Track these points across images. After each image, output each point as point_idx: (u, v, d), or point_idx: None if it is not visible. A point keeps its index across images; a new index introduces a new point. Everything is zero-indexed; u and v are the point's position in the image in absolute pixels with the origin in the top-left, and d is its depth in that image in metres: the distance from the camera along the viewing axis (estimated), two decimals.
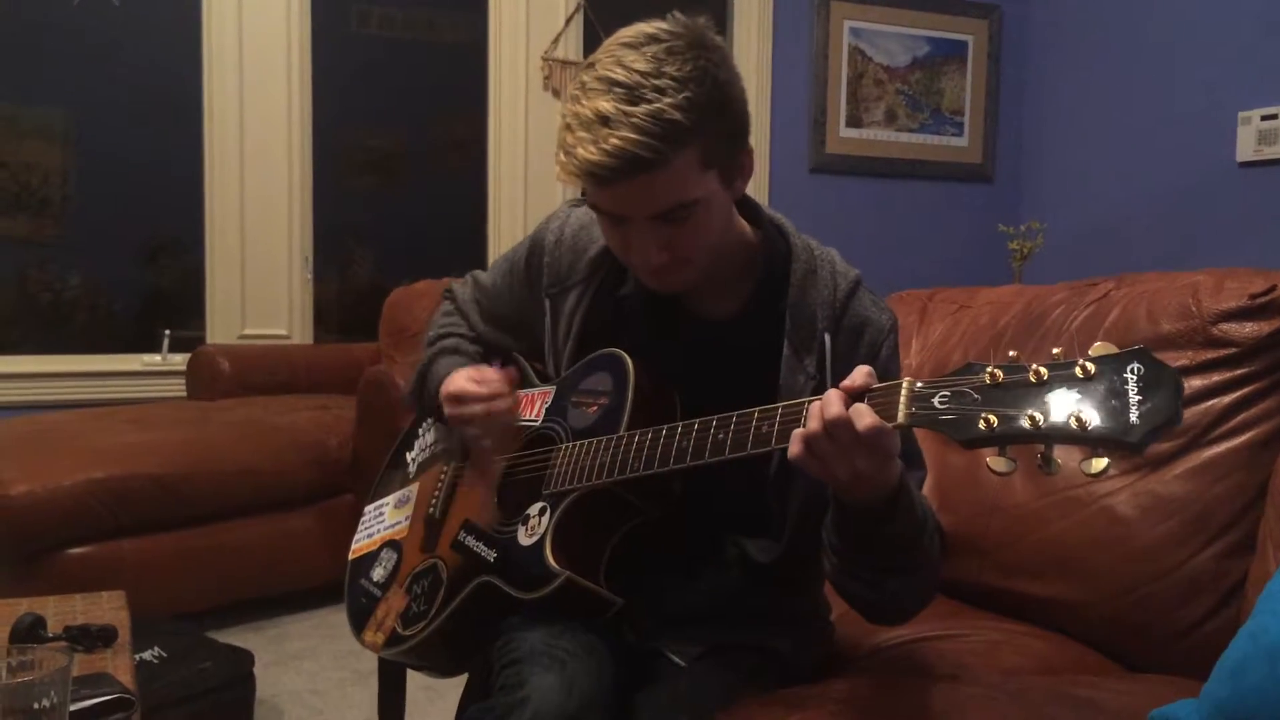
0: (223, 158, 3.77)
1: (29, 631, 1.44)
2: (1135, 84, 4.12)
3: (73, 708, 1.08)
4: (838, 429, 0.95)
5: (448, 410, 1.37)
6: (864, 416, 0.95)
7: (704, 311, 1.29)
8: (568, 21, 4.10)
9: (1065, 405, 0.85)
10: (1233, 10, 3.74)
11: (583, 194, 1.23)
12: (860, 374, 0.98)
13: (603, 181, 1.10)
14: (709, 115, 1.09)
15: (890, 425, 0.95)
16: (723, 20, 4.39)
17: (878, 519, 1.06)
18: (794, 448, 0.98)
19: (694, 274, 1.20)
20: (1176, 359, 1.43)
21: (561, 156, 1.11)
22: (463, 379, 1.35)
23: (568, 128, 1.11)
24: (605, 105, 1.07)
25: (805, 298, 1.23)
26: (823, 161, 4.46)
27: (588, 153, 1.07)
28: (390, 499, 1.53)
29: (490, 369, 1.37)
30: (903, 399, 0.95)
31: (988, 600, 1.62)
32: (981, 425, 0.88)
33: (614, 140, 1.06)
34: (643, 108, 1.06)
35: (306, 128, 3.89)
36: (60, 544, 2.56)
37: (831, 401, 0.96)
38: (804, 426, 0.98)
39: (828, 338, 1.20)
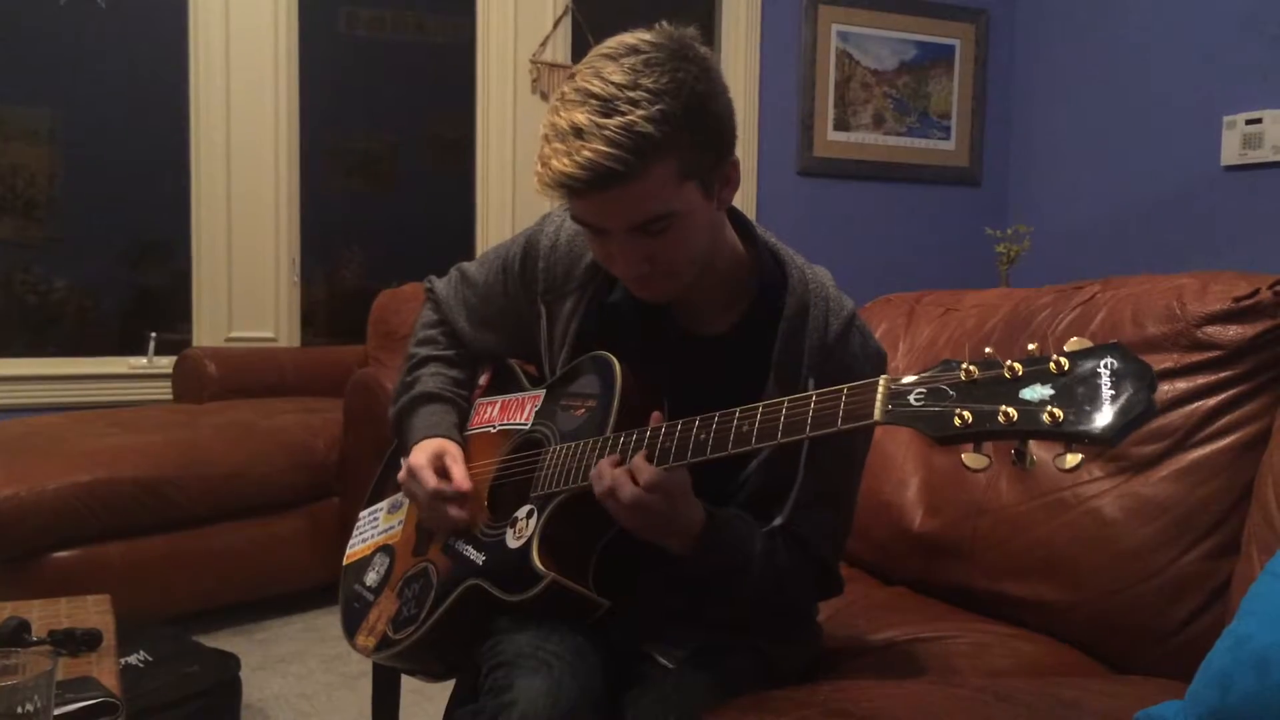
0: (209, 159, 3.76)
1: (13, 635, 1.43)
2: (1121, 88, 4.15)
3: (57, 712, 1.08)
4: (609, 497, 1.12)
5: (400, 476, 1.39)
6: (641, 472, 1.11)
7: (694, 326, 1.29)
8: (556, 24, 4.10)
9: (1039, 400, 0.85)
10: (1217, 15, 3.76)
11: None
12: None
13: (576, 193, 1.11)
14: (685, 128, 1.09)
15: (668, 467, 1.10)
16: (710, 24, 4.40)
17: (689, 562, 1.18)
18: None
19: (679, 285, 1.21)
20: (1161, 361, 1.44)
21: (539, 167, 1.12)
22: (425, 458, 1.36)
23: (546, 139, 1.12)
24: (580, 117, 1.08)
25: (795, 337, 1.23)
26: (810, 165, 4.47)
27: (561, 164, 1.08)
28: (384, 504, 1.53)
29: (453, 454, 1.37)
30: (879, 397, 0.95)
31: (975, 602, 1.62)
32: (956, 422, 0.89)
33: (585, 153, 1.07)
34: (615, 120, 1.06)
35: (294, 129, 3.87)
36: (45, 547, 2.55)
37: (603, 474, 1.13)
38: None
39: (811, 382, 1.21)
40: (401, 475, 1.39)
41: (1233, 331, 1.41)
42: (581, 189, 1.09)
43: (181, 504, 2.76)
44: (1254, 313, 1.40)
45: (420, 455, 1.37)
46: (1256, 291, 1.40)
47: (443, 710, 1.43)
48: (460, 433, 1.44)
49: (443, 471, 1.36)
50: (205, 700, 2.05)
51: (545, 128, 1.13)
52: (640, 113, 1.06)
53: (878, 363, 1.28)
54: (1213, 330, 1.42)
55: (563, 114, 1.10)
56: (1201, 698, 0.94)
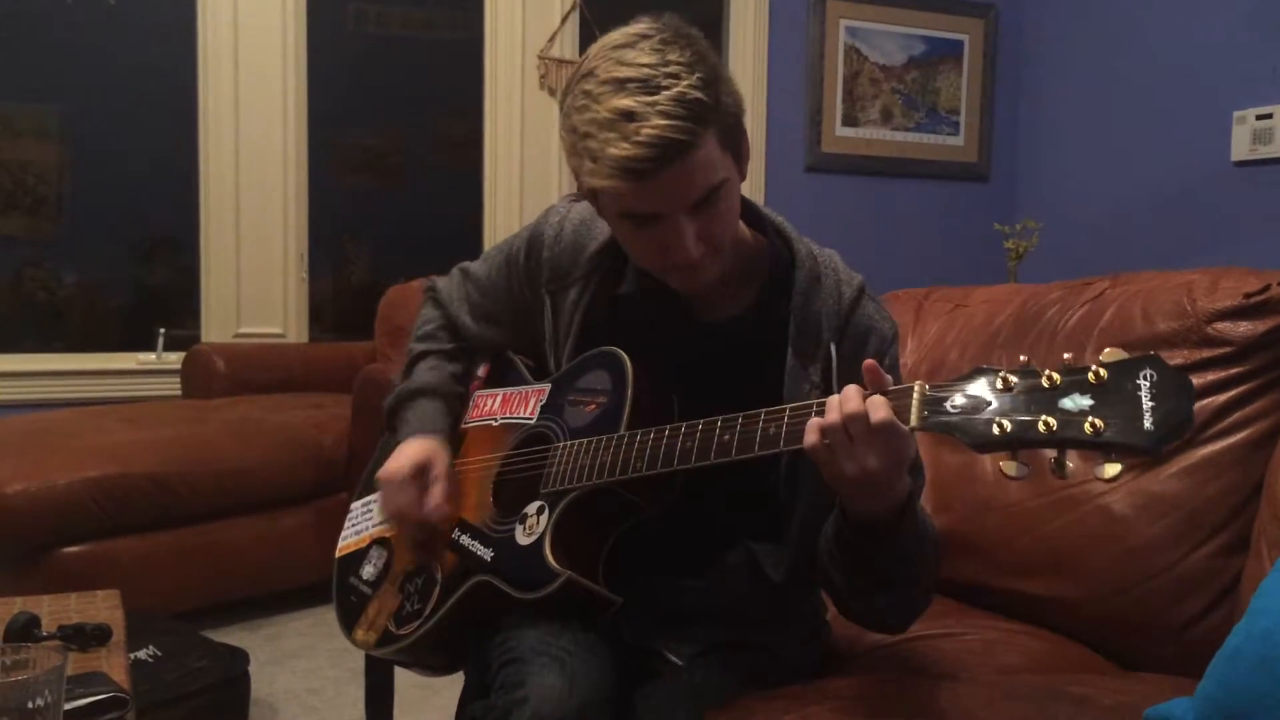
0: (218, 155, 3.76)
1: (23, 630, 1.43)
2: (1131, 83, 4.13)
3: (67, 707, 1.08)
4: (854, 422, 0.97)
5: (380, 474, 1.37)
6: (879, 409, 0.96)
7: (705, 313, 1.28)
8: (564, 20, 4.10)
9: (1079, 410, 0.85)
10: (1228, 10, 3.74)
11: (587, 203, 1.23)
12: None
13: (641, 175, 1.07)
14: (719, 95, 1.09)
15: (906, 427, 0.96)
16: (719, 19, 4.39)
17: (881, 533, 1.07)
18: (809, 437, 1.00)
19: (721, 265, 1.19)
20: (1171, 358, 1.43)
21: (589, 164, 1.09)
22: (409, 467, 1.34)
23: (586, 135, 1.09)
24: (625, 102, 1.06)
25: (810, 306, 1.22)
26: (819, 160, 4.46)
27: (620, 150, 1.06)
28: (378, 495, 1.52)
29: (438, 469, 1.36)
30: (915, 403, 0.95)
31: (983, 599, 1.62)
32: (995, 430, 0.88)
33: (646, 130, 1.05)
34: (664, 94, 1.06)
35: (302, 125, 3.88)
36: (55, 543, 2.56)
37: (850, 396, 0.98)
38: (822, 418, 0.99)
39: (833, 347, 1.20)
40: (382, 473, 1.37)
41: (1243, 328, 1.40)
42: (648, 169, 1.06)
43: (190, 499, 2.76)
44: (1265, 309, 1.39)
45: (404, 462, 1.35)
46: (1267, 288, 1.39)
47: (449, 705, 1.43)
48: (455, 427, 1.44)
49: (423, 485, 1.34)
50: (214, 695, 2.05)
51: (581, 126, 1.09)
52: (685, 83, 1.06)
53: (894, 330, 1.27)
54: (1223, 326, 1.41)
55: (599, 106, 1.08)
56: (1207, 685, 0.93)
